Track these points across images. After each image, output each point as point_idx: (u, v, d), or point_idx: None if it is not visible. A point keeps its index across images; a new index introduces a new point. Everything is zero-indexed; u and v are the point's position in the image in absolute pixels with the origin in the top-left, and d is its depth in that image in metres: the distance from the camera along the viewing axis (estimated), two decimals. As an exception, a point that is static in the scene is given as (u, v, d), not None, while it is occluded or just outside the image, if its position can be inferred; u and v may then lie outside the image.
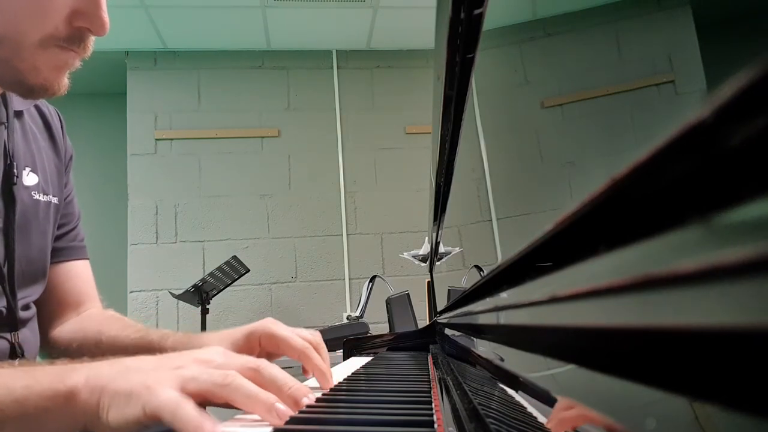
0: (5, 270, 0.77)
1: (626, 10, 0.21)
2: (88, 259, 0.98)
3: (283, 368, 0.53)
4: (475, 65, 0.56)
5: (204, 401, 0.46)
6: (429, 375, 0.76)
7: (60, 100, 0.71)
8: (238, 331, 0.74)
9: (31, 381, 0.46)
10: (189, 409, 0.42)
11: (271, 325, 0.72)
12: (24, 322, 0.82)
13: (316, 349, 0.69)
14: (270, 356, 0.75)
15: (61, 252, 0.92)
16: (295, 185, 3.39)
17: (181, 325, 3.16)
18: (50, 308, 0.91)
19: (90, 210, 3.49)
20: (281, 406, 0.45)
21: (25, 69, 0.63)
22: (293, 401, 0.48)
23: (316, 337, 0.73)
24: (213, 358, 0.51)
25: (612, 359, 0.19)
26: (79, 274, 0.95)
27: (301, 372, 0.71)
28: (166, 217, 3.26)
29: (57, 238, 0.90)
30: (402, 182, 3.43)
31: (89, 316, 0.93)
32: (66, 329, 0.91)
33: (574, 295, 0.22)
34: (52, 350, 0.90)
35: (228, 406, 0.47)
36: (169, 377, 0.46)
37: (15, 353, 0.79)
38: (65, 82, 0.67)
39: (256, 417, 0.47)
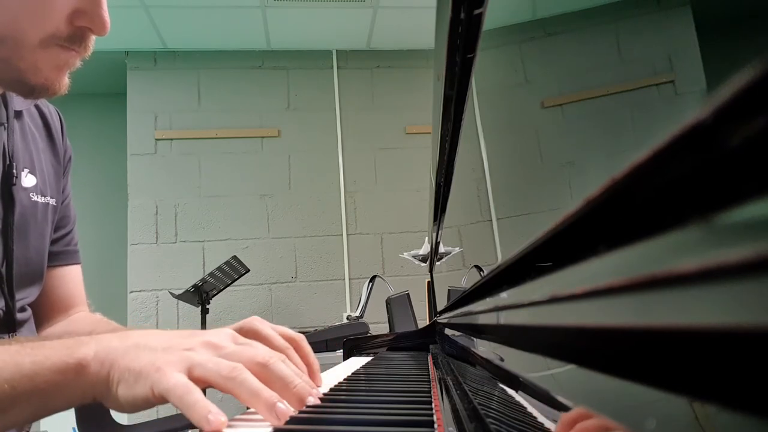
0: (4, 271, 0.77)
1: (626, 10, 0.21)
2: (80, 263, 0.98)
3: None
4: (475, 65, 0.56)
5: (208, 387, 0.47)
6: (429, 375, 0.76)
7: (60, 100, 0.72)
8: (228, 329, 0.75)
9: (39, 356, 0.47)
10: (197, 396, 0.43)
11: (257, 323, 0.73)
12: (21, 324, 0.82)
13: (297, 348, 0.69)
14: None
15: (57, 256, 0.92)
16: (295, 185, 3.39)
17: (181, 325, 3.15)
18: (41, 311, 0.91)
19: (90, 210, 3.50)
20: (282, 405, 0.45)
21: (26, 68, 0.63)
22: (298, 400, 0.49)
23: (298, 337, 0.73)
24: (224, 343, 0.51)
25: (612, 359, 0.19)
26: (71, 279, 0.95)
27: None
28: (166, 217, 3.26)
29: (53, 242, 0.90)
30: (402, 182, 3.43)
31: (78, 318, 0.94)
32: (54, 331, 0.92)
33: (574, 295, 0.22)
34: None
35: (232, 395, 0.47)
36: (177, 359, 0.46)
37: None
38: (66, 81, 0.67)
39: (256, 417, 0.47)
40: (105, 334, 0.50)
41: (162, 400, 0.44)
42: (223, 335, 0.53)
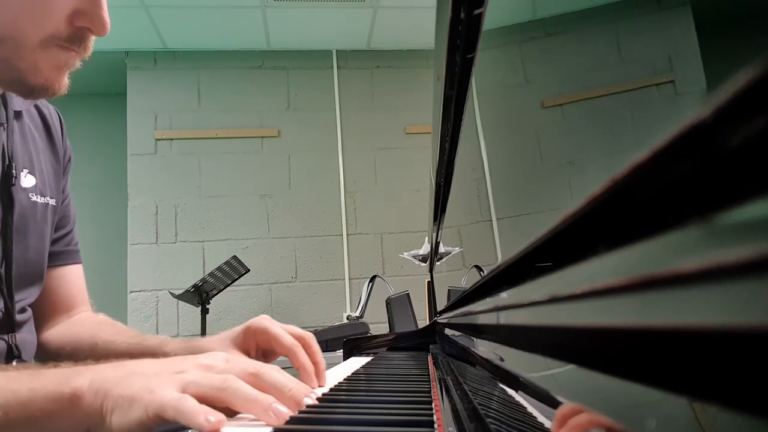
0: (3, 272, 0.77)
1: (626, 10, 0.21)
2: (81, 263, 0.98)
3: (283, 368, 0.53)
4: (475, 65, 0.56)
5: (204, 404, 0.47)
6: (429, 375, 0.76)
7: (60, 100, 0.71)
8: (237, 329, 0.76)
9: (35, 384, 0.47)
10: (191, 402, 0.43)
11: (265, 321, 0.74)
12: (21, 325, 0.82)
13: (306, 346, 0.70)
14: (266, 353, 0.77)
15: (57, 256, 0.92)
16: (295, 185, 3.39)
17: (181, 324, 3.16)
18: (43, 311, 0.91)
19: (90, 210, 3.50)
20: (279, 406, 0.45)
21: (26, 69, 0.63)
22: (294, 403, 0.49)
23: (307, 336, 0.74)
24: (215, 363, 0.51)
25: (612, 359, 0.19)
26: (72, 279, 0.95)
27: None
28: (166, 217, 3.26)
29: (53, 242, 0.90)
30: (402, 182, 3.43)
31: (81, 320, 0.94)
32: (57, 332, 0.91)
33: (574, 295, 0.22)
34: (44, 353, 0.90)
35: (229, 411, 0.47)
36: (170, 381, 0.46)
37: (12, 354, 0.79)
38: (65, 81, 0.67)
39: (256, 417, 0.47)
40: (100, 364, 0.50)
41: (158, 420, 0.44)
42: (215, 357, 0.53)
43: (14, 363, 0.78)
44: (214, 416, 0.42)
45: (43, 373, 0.48)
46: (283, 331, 0.72)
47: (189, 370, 0.49)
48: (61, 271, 0.93)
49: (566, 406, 0.22)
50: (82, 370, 0.49)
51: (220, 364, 0.52)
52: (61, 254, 0.93)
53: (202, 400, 0.46)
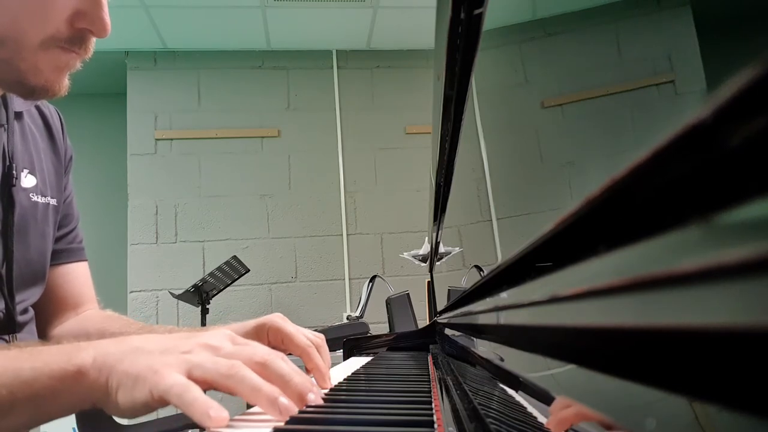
0: (3, 272, 0.77)
1: (626, 10, 0.21)
2: (86, 260, 0.98)
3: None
4: (475, 65, 0.56)
5: (209, 388, 0.47)
6: (429, 375, 0.76)
7: (60, 100, 0.71)
8: (249, 324, 0.76)
9: (38, 362, 0.47)
10: (196, 393, 0.43)
11: (279, 320, 0.74)
12: (22, 326, 0.82)
13: (318, 349, 0.70)
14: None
15: (61, 254, 0.92)
16: (295, 185, 3.39)
17: (182, 325, 3.15)
18: (49, 309, 0.91)
19: (90, 210, 3.49)
20: (284, 400, 0.45)
21: (27, 70, 0.63)
22: (298, 396, 0.48)
23: (320, 338, 0.74)
24: (221, 344, 0.51)
25: (612, 359, 0.19)
26: (78, 276, 0.95)
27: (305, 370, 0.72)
28: (166, 217, 3.26)
29: (56, 240, 0.90)
30: (402, 182, 3.43)
31: (89, 316, 0.94)
32: (66, 328, 0.91)
33: (574, 295, 0.22)
34: None
35: (233, 393, 0.47)
36: (175, 362, 0.46)
37: None
38: (66, 82, 0.67)
39: (255, 417, 0.47)
40: (103, 340, 0.50)
41: (162, 402, 0.44)
42: (220, 336, 0.52)
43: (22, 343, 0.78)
44: (216, 412, 0.42)
45: (44, 350, 0.48)
46: (297, 331, 0.72)
47: (194, 349, 0.49)
48: (66, 269, 0.93)
49: (559, 401, 0.22)
50: (84, 346, 0.48)
51: (226, 345, 0.51)
52: (64, 252, 0.93)
53: (208, 384, 0.46)
